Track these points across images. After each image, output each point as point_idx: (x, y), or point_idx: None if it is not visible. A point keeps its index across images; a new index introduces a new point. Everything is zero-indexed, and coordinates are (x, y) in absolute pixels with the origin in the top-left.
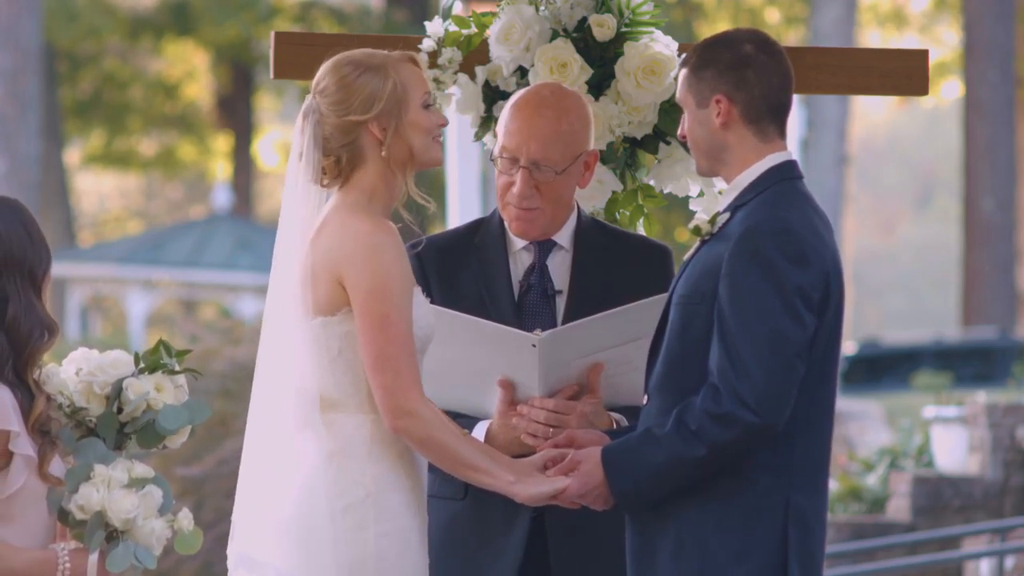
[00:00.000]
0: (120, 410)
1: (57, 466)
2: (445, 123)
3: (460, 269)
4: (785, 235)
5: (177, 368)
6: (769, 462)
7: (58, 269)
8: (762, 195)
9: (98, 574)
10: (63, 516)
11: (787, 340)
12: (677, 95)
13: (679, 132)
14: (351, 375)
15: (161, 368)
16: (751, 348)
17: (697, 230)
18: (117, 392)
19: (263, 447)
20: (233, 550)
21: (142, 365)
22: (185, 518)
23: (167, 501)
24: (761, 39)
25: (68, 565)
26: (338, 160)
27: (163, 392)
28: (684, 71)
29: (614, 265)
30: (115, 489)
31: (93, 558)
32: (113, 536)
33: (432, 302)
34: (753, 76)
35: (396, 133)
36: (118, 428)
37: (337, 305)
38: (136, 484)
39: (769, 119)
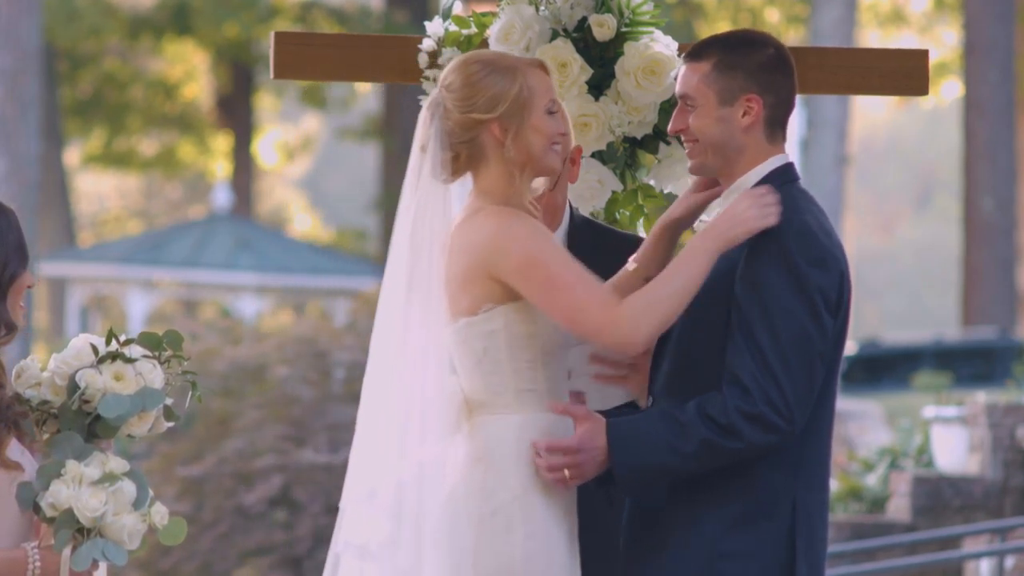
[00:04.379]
0: (87, 401)
1: (27, 458)
2: (567, 132)
3: None
4: (805, 237)
5: (135, 356)
6: (779, 461)
7: (58, 269)
8: None
9: (69, 572)
10: (38, 511)
11: (811, 342)
12: (688, 89)
13: (672, 127)
14: (497, 375)
15: (120, 358)
16: (779, 351)
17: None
18: (74, 383)
19: (388, 453)
20: (341, 539)
21: (101, 355)
22: (158, 513)
23: (143, 495)
24: (779, 43)
25: (39, 564)
26: (457, 156)
27: (123, 381)
28: (702, 66)
29: (609, 263)
30: (84, 486)
31: (65, 555)
32: (82, 533)
33: None
34: (781, 80)
35: (517, 135)
36: (85, 419)
37: (478, 304)
38: (108, 480)
39: (782, 123)
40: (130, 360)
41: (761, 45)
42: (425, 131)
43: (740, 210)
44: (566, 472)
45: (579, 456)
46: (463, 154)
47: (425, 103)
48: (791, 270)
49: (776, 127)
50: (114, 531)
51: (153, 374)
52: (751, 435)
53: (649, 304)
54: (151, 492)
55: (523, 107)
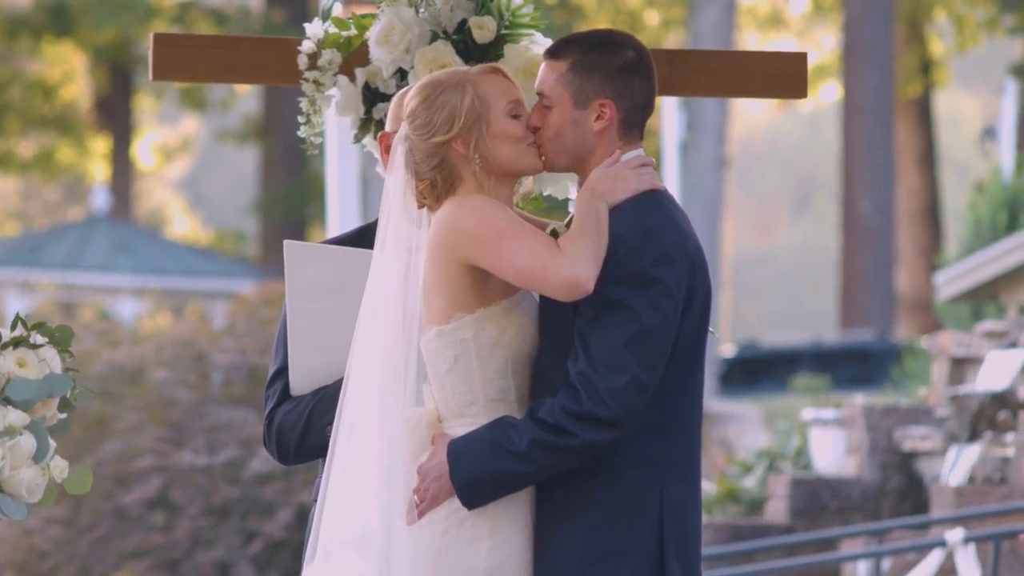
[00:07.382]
0: None
1: None
2: (537, 128)
3: None
4: (647, 237)
5: (40, 343)
6: (642, 459)
7: None
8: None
9: None
10: None
11: (650, 338)
12: (545, 87)
13: (528, 123)
14: (467, 383)
15: (24, 343)
16: (610, 349)
17: (555, 233)
18: None
19: (361, 457)
20: (328, 538)
21: (5, 340)
22: (58, 466)
23: (43, 448)
24: (640, 45)
25: None
26: (433, 183)
27: (26, 367)
28: (560, 65)
29: None
30: None
31: None
32: None
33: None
34: (637, 83)
35: (479, 147)
36: None
37: (451, 312)
38: (8, 433)
39: (639, 124)
40: (35, 346)
41: (620, 47)
42: (396, 164)
43: (618, 171)
44: (415, 498)
45: (426, 479)
46: (438, 178)
47: (395, 140)
48: (632, 270)
49: (632, 128)
50: (12, 485)
51: (55, 361)
52: (585, 433)
53: (582, 246)
54: (53, 444)
55: (479, 117)
